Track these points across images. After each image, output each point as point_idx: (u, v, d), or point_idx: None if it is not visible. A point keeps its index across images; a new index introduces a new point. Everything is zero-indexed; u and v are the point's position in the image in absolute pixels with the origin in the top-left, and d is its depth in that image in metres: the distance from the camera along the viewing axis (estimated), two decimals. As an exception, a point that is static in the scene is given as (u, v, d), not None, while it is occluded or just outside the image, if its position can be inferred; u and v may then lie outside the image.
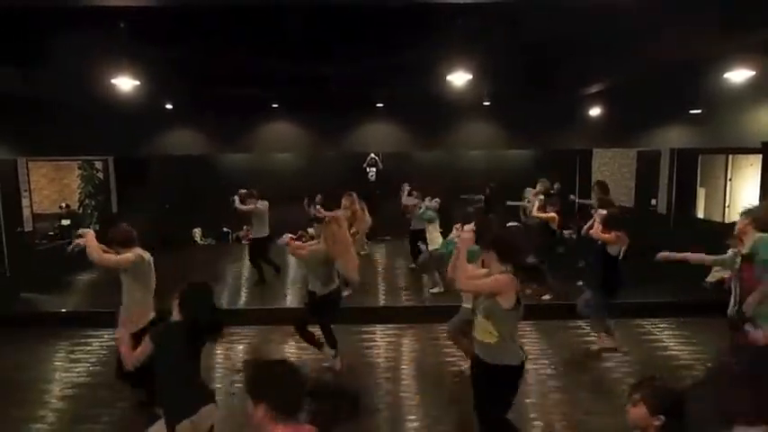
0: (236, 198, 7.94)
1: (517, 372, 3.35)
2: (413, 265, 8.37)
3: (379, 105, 7.97)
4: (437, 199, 7.82)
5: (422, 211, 7.67)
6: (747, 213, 3.86)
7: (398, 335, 6.20)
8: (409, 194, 8.88)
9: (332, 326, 5.22)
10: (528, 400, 4.65)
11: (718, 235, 8.30)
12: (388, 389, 4.89)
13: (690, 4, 4.04)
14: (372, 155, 12.28)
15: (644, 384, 2.13)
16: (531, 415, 4.41)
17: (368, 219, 9.14)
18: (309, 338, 5.15)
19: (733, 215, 8.60)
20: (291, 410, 1.99)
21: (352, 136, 8.10)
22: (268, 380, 2.05)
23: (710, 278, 7.67)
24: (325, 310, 5.07)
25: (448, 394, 4.78)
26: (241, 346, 5.99)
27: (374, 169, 12.39)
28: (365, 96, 7.67)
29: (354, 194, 7.79)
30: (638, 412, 2.07)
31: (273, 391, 2.00)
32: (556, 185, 9.67)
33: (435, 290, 7.31)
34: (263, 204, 7.77)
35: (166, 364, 2.88)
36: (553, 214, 7.09)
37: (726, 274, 7.50)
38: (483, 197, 9.93)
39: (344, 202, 7.58)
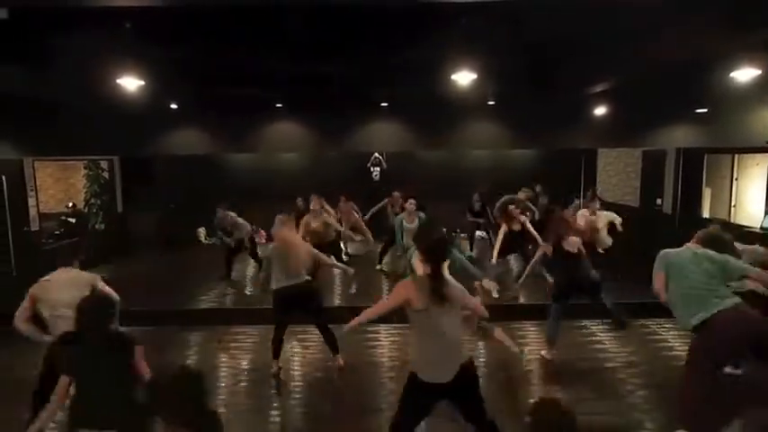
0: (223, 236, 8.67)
1: (416, 381, 3.14)
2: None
3: (383, 105, 7.96)
4: (411, 200, 7.61)
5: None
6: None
7: (402, 334, 6.20)
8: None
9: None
10: (532, 400, 4.64)
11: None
12: (391, 388, 4.89)
13: (695, 2, 4.02)
14: (376, 154, 12.28)
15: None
16: (535, 415, 4.40)
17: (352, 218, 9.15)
18: (276, 343, 5.14)
19: (739, 215, 8.55)
20: (189, 422, 1.95)
21: (357, 136, 8.10)
22: (164, 393, 2.03)
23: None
24: (281, 308, 5.07)
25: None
26: (246, 345, 6.01)
27: (378, 169, 12.39)
28: (369, 96, 7.68)
29: (323, 197, 7.86)
30: None
31: (169, 404, 1.99)
32: (537, 188, 9.65)
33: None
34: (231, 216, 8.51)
35: (89, 386, 2.75)
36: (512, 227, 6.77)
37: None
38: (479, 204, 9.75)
39: (313, 205, 7.70)
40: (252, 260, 8.88)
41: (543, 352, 5.54)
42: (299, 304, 5.10)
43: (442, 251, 3.10)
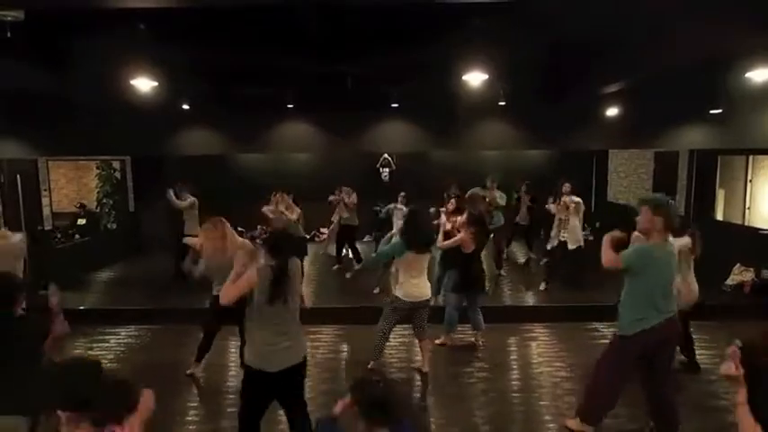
0: (171, 191, 8.14)
1: (248, 376, 3.25)
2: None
3: (394, 105, 7.97)
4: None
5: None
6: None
7: (410, 335, 6.17)
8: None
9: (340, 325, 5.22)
10: (542, 403, 4.62)
11: (737, 237, 8.18)
12: (399, 389, 4.88)
13: (710, 2, 3.98)
14: (386, 155, 12.26)
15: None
16: (545, 417, 4.38)
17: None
18: (204, 346, 5.10)
19: (753, 217, 8.45)
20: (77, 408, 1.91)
21: (367, 136, 8.10)
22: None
23: (730, 281, 7.54)
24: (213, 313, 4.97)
25: (460, 395, 4.76)
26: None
27: (387, 170, 12.38)
28: (380, 96, 7.68)
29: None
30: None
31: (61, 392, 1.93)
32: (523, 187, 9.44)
33: (377, 290, 7.31)
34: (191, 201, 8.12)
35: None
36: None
37: (746, 278, 7.39)
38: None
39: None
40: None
41: (437, 340, 5.81)
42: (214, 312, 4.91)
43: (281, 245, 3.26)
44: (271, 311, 3.15)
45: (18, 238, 4.42)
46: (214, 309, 4.86)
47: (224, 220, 4.82)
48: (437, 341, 5.81)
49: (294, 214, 7.94)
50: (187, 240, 5.13)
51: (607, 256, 3.77)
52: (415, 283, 4.82)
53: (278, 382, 3.23)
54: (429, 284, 5.00)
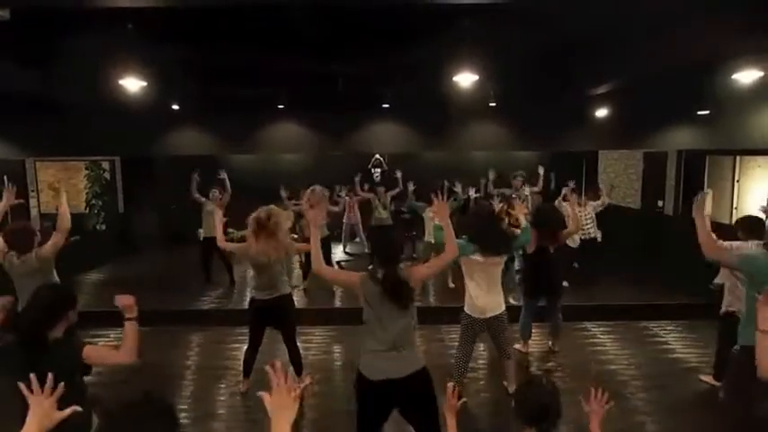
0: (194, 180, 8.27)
1: (361, 385, 3.11)
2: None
3: (384, 106, 7.97)
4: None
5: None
6: None
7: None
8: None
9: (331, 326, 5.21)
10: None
11: (724, 237, 8.26)
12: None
13: (698, 4, 4.02)
14: (377, 155, 12.26)
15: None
16: (537, 417, 4.39)
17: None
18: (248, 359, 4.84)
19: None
20: None
21: (358, 136, 8.09)
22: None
23: (718, 280, 7.61)
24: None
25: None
26: (246, 347, 5.99)
27: (379, 170, 12.38)
28: (371, 97, 7.68)
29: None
30: None
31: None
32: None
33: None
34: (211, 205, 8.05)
35: None
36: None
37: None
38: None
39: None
40: None
41: (520, 347, 5.66)
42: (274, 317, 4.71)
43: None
44: None
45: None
46: (254, 310, 4.74)
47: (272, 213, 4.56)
48: (515, 345, 5.56)
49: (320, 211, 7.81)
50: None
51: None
52: (477, 295, 4.38)
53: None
54: (500, 296, 4.49)
